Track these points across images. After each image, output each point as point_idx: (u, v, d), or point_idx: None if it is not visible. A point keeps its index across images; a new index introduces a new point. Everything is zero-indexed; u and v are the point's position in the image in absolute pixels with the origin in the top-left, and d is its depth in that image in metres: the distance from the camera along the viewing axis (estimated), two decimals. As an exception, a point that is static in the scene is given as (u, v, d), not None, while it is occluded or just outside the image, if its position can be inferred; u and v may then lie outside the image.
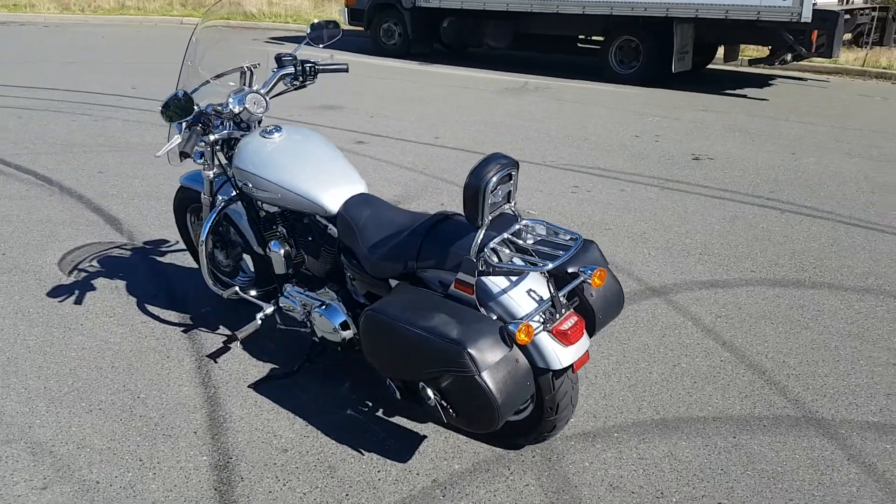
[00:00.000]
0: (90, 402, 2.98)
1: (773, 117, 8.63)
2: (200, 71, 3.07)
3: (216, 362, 3.27)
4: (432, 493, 2.54)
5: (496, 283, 2.41)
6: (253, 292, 3.38)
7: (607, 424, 2.92)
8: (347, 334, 2.91)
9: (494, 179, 2.23)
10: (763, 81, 11.20)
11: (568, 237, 2.38)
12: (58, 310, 3.69)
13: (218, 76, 3.10)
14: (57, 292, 3.87)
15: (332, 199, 2.82)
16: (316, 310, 2.96)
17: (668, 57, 10.09)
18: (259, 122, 3.13)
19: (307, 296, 3.05)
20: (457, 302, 2.41)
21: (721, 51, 11.23)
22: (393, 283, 2.67)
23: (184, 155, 2.80)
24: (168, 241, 4.56)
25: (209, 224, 3.22)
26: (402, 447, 2.76)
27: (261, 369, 3.22)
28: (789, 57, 10.22)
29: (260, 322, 3.15)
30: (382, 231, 2.68)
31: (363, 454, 2.72)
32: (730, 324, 3.75)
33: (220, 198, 3.28)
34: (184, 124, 2.96)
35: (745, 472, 2.67)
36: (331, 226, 2.92)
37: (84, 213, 5.00)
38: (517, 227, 2.41)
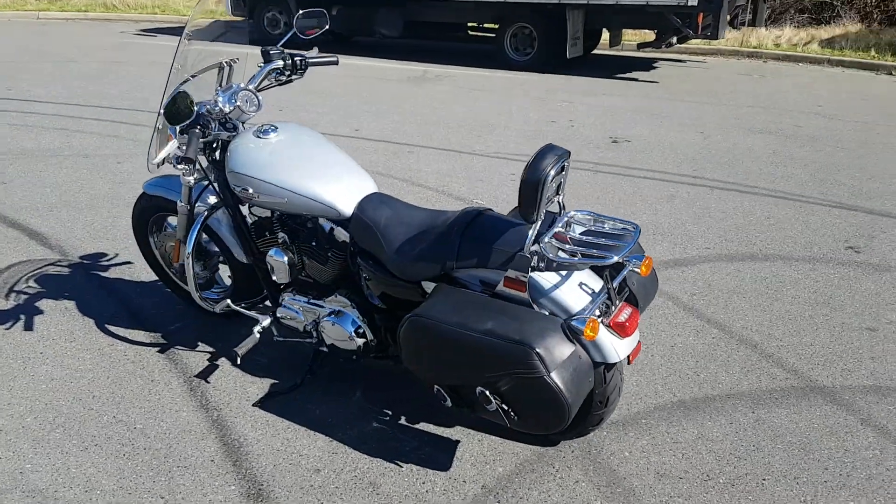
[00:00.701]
0: (82, 438, 2.70)
1: (669, 99, 8.94)
2: (180, 69, 2.83)
3: (209, 382, 3.04)
4: (485, 500, 2.45)
5: (546, 278, 2.34)
6: (238, 304, 3.17)
7: (631, 411, 2.92)
8: (363, 341, 2.76)
9: (552, 173, 2.15)
10: (647, 65, 11.59)
11: (620, 226, 2.34)
12: (7, 338, 3.33)
13: (195, 74, 2.86)
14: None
15: (346, 200, 2.66)
16: (326, 318, 2.80)
17: (562, 43, 10.26)
18: (244, 123, 2.92)
19: (312, 304, 2.87)
20: (506, 301, 2.32)
21: (606, 36, 11.52)
22: (426, 285, 2.55)
23: (186, 160, 2.56)
24: (107, 255, 4.22)
25: (195, 234, 2.98)
26: (438, 454, 2.65)
27: (259, 385, 3.02)
28: (674, 40, 10.62)
29: (259, 335, 2.95)
30: (407, 231, 2.56)
31: (401, 466, 2.59)
32: (706, 301, 3.84)
33: (202, 205, 3.05)
34: (178, 128, 2.71)
35: (775, 447, 2.72)
36: (338, 228, 2.75)
37: (0, 229, 4.54)
38: (565, 219, 2.35)
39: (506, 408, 2.27)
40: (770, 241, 4.64)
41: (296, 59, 2.96)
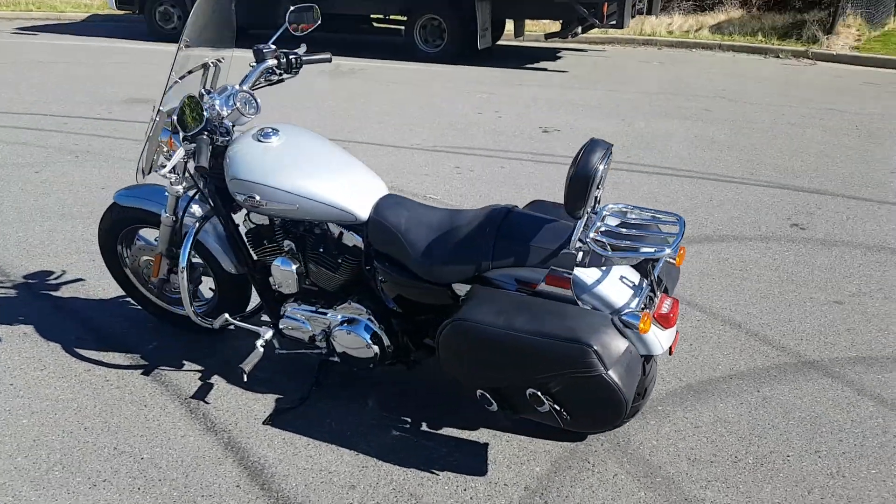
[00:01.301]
0: (87, 475, 2.50)
1: (583, 88, 9.10)
2: (173, 75, 2.65)
3: (208, 403, 2.87)
4: (533, 500, 2.42)
5: (587, 274, 2.32)
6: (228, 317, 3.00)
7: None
8: (380, 348, 2.67)
9: (602, 167, 2.13)
10: (552, 55, 11.77)
11: (663, 216, 2.34)
12: (-33, 371, 3.04)
13: (183, 76, 2.68)
14: (-47, 350, 3.19)
15: (361, 203, 2.56)
16: (339, 327, 2.69)
17: (472, 34, 10.27)
18: (234, 126, 2.75)
19: (320, 313, 2.75)
20: (549, 299, 2.29)
21: (511, 27, 11.61)
22: (458, 287, 2.48)
23: (200, 169, 2.39)
24: (53, 272, 3.92)
25: (189, 247, 2.80)
26: (470, 459, 2.60)
27: (264, 402, 2.88)
28: (579, 29, 10.82)
29: (262, 349, 2.80)
30: (430, 233, 2.48)
31: (437, 474, 2.52)
32: (680, 284, 3.92)
33: (190, 216, 2.87)
34: (181, 135, 2.53)
35: (788, 423, 2.81)
36: (348, 232, 2.64)
37: (-77, 250, 4.15)
38: (603, 212, 2.33)
39: (558, 408, 2.24)
40: (720, 223, 4.79)
41: (290, 57, 2.82)
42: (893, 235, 4.61)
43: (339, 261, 2.66)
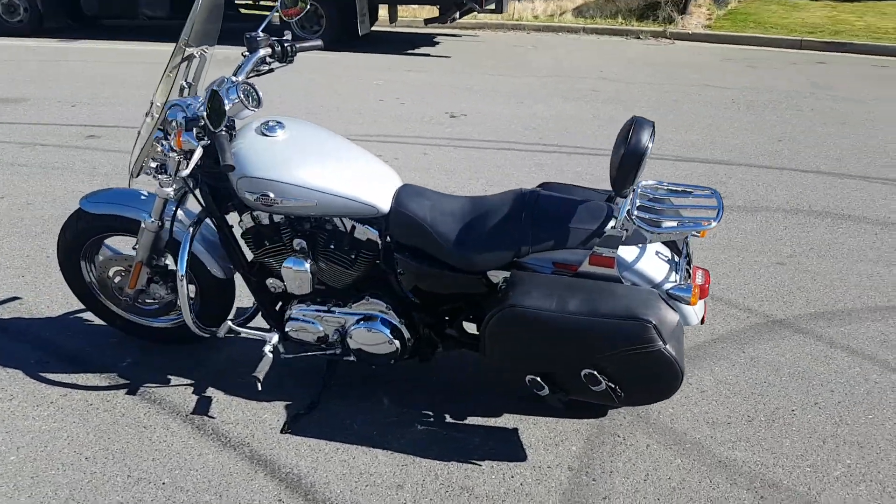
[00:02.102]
0: (109, 508, 2.30)
1: (471, 73, 9.15)
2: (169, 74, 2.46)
3: (213, 417, 2.71)
4: (580, 479, 2.44)
5: (628, 252, 2.35)
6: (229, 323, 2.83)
7: (647, 370, 3.03)
8: (400, 343, 2.61)
9: (651, 145, 2.16)
10: (428, 40, 11.77)
11: (696, 190, 2.41)
12: (-78, 410, 2.72)
13: (172, 73, 2.49)
14: None
15: (382, 196, 2.48)
16: (356, 325, 2.60)
17: (350, 20, 10.11)
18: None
19: (333, 312, 2.65)
20: (592, 279, 2.31)
21: (384, 13, 11.51)
22: (493, 274, 2.45)
23: (228, 168, 2.22)
24: (-20, 292, 3.56)
25: (186, 253, 2.61)
26: (505, 446, 2.59)
27: (272, 410, 2.75)
28: (458, 14, 10.88)
29: (271, 355, 2.67)
30: (459, 221, 2.44)
31: (479, 465, 2.50)
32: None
33: (181, 220, 2.69)
34: (194, 131, 2.34)
35: (781, 380, 2.98)
36: (361, 226, 2.55)
37: None
38: (638, 189, 2.37)
39: (613, 386, 2.26)
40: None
41: (285, 45, 2.67)
42: (804, 199, 4.95)
43: (353, 256, 2.56)
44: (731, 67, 9.56)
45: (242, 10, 11.71)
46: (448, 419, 2.71)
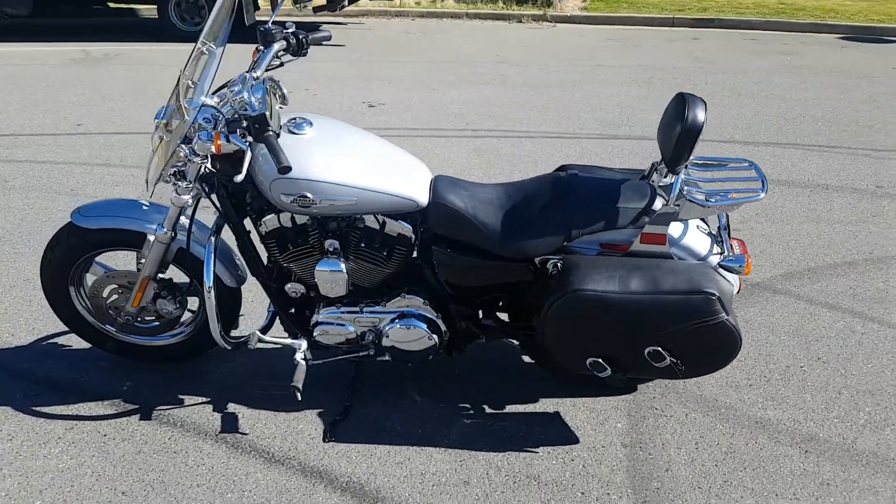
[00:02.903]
0: (171, 542, 2.14)
1: (370, 60, 9.01)
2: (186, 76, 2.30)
3: (246, 434, 2.57)
4: (637, 454, 2.49)
5: (674, 228, 2.40)
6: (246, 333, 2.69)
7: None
8: (438, 338, 2.57)
9: (706, 121, 2.21)
10: (314, 29, 11.47)
11: (733, 162, 2.48)
12: (-90, 462, 2.44)
13: (194, 76, 2.34)
14: None
15: (420, 189, 2.42)
16: (392, 324, 2.53)
17: (237, 10, 9.74)
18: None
19: (367, 312, 2.57)
20: (643, 257, 2.35)
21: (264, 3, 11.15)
22: (540, 260, 2.44)
23: (285, 169, 2.08)
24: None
25: (211, 263, 2.46)
26: (553, 430, 2.61)
27: (307, 420, 2.64)
28: (346, 2, 10.71)
29: (305, 362, 2.56)
30: (500, 209, 2.43)
31: (537, 452, 2.50)
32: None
33: (181, 229, 2.54)
34: (237, 133, 2.19)
35: (781, 340, 3.14)
36: (392, 221, 2.46)
37: None
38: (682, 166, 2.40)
39: (675, 360, 2.31)
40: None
41: (300, 37, 2.54)
42: None
43: (387, 253, 2.48)
44: (616, 47, 9.86)
45: (111, 5, 11.05)
46: (488, 410, 2.69)
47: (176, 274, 2.73)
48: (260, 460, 2.44)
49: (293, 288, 2.61)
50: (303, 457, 2.45)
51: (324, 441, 2.53)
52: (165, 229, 2.49)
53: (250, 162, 2.36)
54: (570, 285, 2.24)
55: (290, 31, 2.52)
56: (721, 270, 2.34)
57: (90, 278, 2.76)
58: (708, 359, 2.32)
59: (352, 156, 2.37)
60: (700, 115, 2.18)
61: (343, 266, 2.45)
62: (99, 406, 2.70)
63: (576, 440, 2.54)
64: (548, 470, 2.41)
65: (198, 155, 2.26)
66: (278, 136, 2.24)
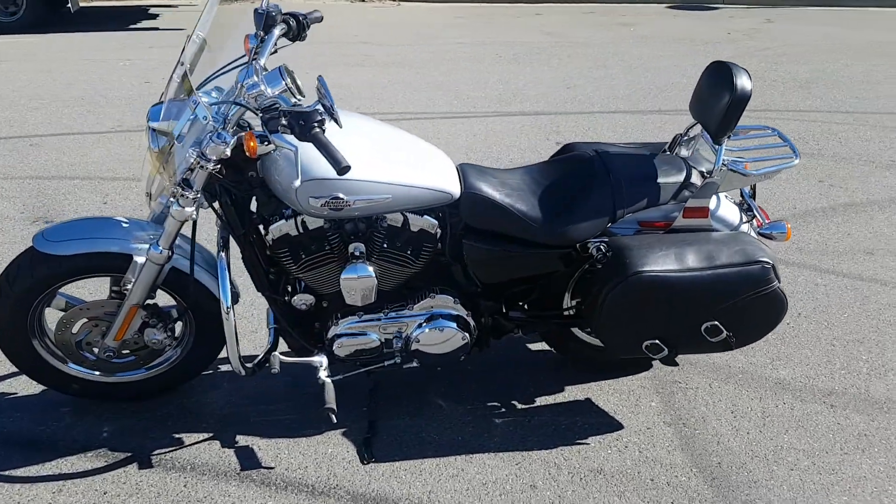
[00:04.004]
0: None
1: (222, 44, 8.46)
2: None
3: (271, 468, 2.31)
4: (683, 431, 2.47)
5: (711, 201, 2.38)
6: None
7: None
8: (470, 336, 2.42)
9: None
10: (143, 13, 10.61)
11: (756, 130, 2.48)
12: None
13: (190, 65, 2.03)
14: None
15: (452, 180, 2.26)
16: (421, 328, 2.36)
17: (54, -3, 8.88)
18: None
19: (394, 317, 2.37)
20: (686, 232, 2.32)
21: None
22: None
23: (344, 170, 1.83)
24: None
25: (227, 280, 2.16)
26: (591, 419, 2.54)
27: (334, 442, 2.42)
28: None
29: (330, 379, 2.33)
30: (534, 195, 2.32)
31: (587, 443, 2.42)
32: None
33: (180, 245, 2.23)
34: (278, 131, 1.90)
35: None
36: (416, 217, 2.27)
37: None
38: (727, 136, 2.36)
39: (730, 333, 2.28)
40: (517, 152, 4.96)
41: (300, 19, 2.27)
42: (631, 137, 5.21)
43: (412, 251, 2.28)
44: (470, 24, 9.74)
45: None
46: (519, 406, 2.58)
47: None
48: (302, 494, 2.19)
49: (302, 300, 2.35)
50: (347, 484, 2.23)
51: (363, 463, 2.31)
52: (161, 248, 2.15)
53: (261, 165, 2.09)
54: (628, 268, 2.16)
55: (288, 13, 2.23)
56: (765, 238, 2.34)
57: (50, 313, 2.36)
58: (758, 328, 2.33)
59: (378, 150, 2.17)
60: (748, 83, 2.16)
61: (372, 270, 2.23)
62: (83, 460, 2.33)
63: (619, 425, 2.48)
64: (607, 461, 2.33)
65: (209, 160, 1.96)
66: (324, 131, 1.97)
